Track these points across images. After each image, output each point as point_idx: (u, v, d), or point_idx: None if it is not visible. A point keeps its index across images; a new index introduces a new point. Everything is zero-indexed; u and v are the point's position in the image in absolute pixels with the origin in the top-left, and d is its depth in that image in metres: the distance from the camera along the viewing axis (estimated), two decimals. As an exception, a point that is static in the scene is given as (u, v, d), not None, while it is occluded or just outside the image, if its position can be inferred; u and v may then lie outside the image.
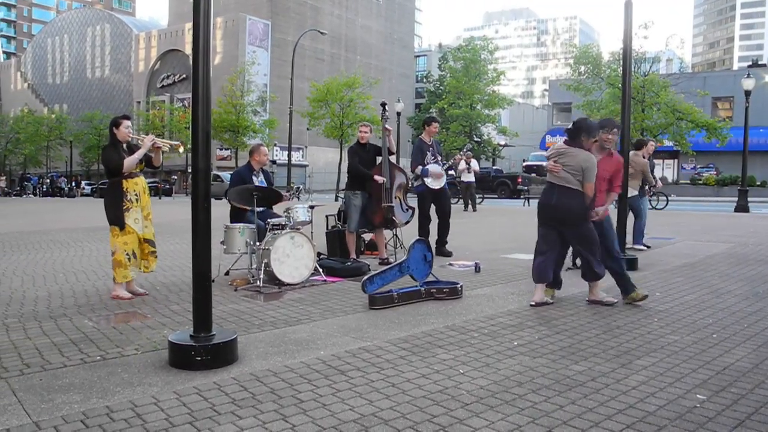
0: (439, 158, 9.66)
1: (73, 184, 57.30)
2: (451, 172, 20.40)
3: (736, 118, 40.75)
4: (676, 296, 6.58)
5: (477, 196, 24.06)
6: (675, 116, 30.40)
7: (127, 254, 6.42)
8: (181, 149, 7.38)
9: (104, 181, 41.95)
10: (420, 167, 9.48)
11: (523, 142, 58.33)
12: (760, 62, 71.22)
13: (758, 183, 38.48)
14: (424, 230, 9.46)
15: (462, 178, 22.15)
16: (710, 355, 4.48)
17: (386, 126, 8.94)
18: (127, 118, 6.73)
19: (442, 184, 9.57)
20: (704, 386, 3.85)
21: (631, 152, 9.63)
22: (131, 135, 6.63)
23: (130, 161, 6.44)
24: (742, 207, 21.54)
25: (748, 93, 22.98)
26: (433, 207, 9.67)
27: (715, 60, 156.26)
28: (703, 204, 28.34)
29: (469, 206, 22.20)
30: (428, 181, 9.46)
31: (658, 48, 33.34)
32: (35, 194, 55.38)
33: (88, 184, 57.78)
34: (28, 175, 64.85)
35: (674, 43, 33.34)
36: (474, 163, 22.43)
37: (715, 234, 12.98)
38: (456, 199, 23.44)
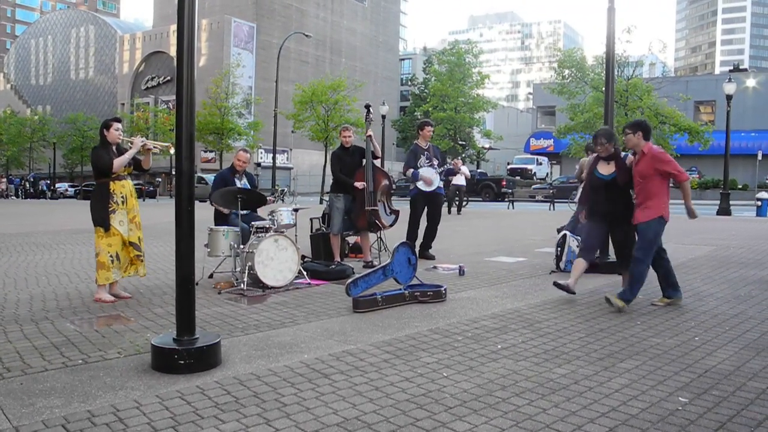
0: (436, 162, 9.59)
1: (44, 184, 56.80)
2: (451, 177, 20.50)
3: (718, 121, 41.27)
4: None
5: (464, 199, 24.19)
6: (658, 120, 30.59)
7: (111, 256, 6.39)
8: (172, 150, 7.35)
9: (88, 183, 41.37)
10: (411, 170, 9.48)
11: (508, 145, 58.63)
12: (741, 67, 72.17)
13: (740, 186, 38.87)
14: (412, 234, 9.46)
15: (453, 181, 22.31)
16: (692, 358, 4.51)
17: (368, 132, 8.90)
18: (118, 120, 6.72)
19: (434, 188, 9.53)
20: (686, 389, 3.87)
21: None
22: (121, 137, 6.60)
23: (119, 161, 6.42)
24: (724, 210, 21.77)
25: (729, 97, 23.22)
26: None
27: (697, 64, 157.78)
28: (686, 207, 28.52)
29: (453, 209, 22.31)
30: (419, 184, 9.46)
31: (641, 52, 33.47)
32: (17, 196, 54.91)
33: (72, 186, 57.32)
34: (11, 177, 64.25)
35: (657, 47, 33.44)
36: (465, 168, 22.59)
37: (698, 237, 13.09)
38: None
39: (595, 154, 6.76)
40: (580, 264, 6.59)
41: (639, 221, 6.17)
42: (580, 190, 9.19)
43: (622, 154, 6.58)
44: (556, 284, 6.63)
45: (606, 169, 6.51)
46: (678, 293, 6.39)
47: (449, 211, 22.05)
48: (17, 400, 3.64)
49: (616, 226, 6.55)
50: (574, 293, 6.57)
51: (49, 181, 58.47)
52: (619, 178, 6.41)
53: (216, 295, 6.83)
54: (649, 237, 6.10)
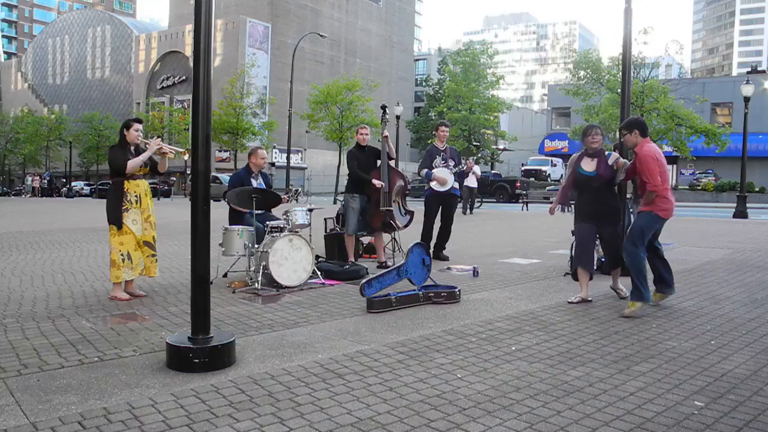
0: (452, 163, 9.58)
1: (43, 180, 57.12)
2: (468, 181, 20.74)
3: (735, 124, 40.90)
4: (674, 302, 6.57)
5: (475, 200, 24.26)
6: (674, 122, 30.43)
7: (122, 255, 6.43)
8: (186, 156, 7.39)
9: (104, 182, 41.65)
10: (425, 170, 9.50)
11: (522, 147, 58.38)
12: (759, 68, 71.53)
13: (757, 189, 38.49)
14: (427, 235, 9.47)
15: (465, 183, 22.50)
16: (708, 362, 4.48)
17: (384, 133, 8.92)
18: (140, 121, 6.76)
19: (448, 188, 9.52)
20: (702, 393, 3.85)
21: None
22: (140, 138, 6.65)
23: (134, 163, 6.47)
24: (740, 213, 21.58)
25: (747, 99, 23.01)
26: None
27: (714, 66, 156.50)
28: (702, 210, 28.36)
29: (468, 210, 22.39)
30: (433, 184, 9.47)
31: (657, 53, 33.31)
32: (34, 194, 55.43)
33: (87, 185, 57.73)
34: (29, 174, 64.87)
35: (673, 48, 33.21)
36: (476, 168, 22.86)
37: (714, 240, 12.99)
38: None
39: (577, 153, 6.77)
40: (584, 273, 6.59)
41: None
42: None
43: (606, 152, 6.59)
44: (571, 303, 6.55)
45: (590, 166, 6.50)
46: (671, 289, 6.36)
47: (464, 212, 22.10)
48: (34, 396, 3.67)
49: (603, 225, 6.51)
50: (590, 301, 6.54)
51: (63, 180, 58.86)
52: (601, 172, 6.40)
53: (230, 295, 6.86)
54: (638, 225, 6.10)
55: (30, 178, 56.13)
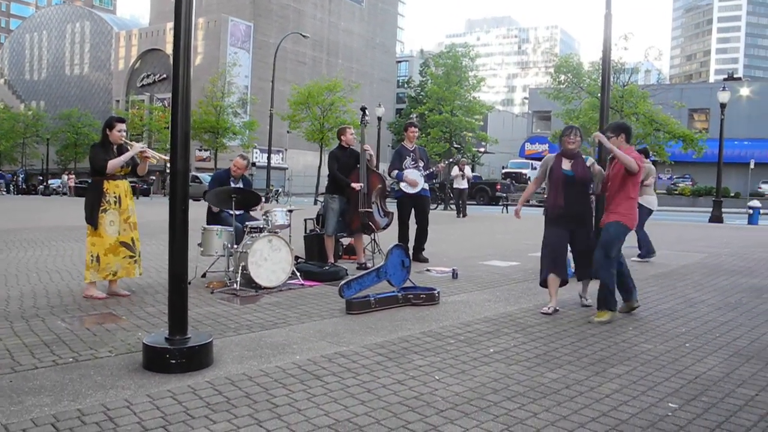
0: (421, 164, 9.60)
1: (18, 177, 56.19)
2: (436, 180, 20.70)
3: (712, 129, 41.36)
4: (650, 305, 6.64)
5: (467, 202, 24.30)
6: (653, 127, 30.67)
7: (92, 256, 6.37)
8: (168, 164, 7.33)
9: (82, 180, 40.90)
10: (396, 171, 9.50)
11: (503, 149, 58.64)
12: (735, 75, 72.46)
13: (732, 194, 39.04)
14: (403, 236, 9.47)
15: (455, 185, 22.59)
16: (683, 364, 4.53)
17: (365, 147, 8.92)
18: (122, 121, 6.66)
19: (418, 189, 9.52)
20: (676, 395, 3.89)
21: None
22: (123, 139, 6.57)
23: (114, 163, 6.40)
24: (716, 218, 21.87)
25: (723, 105, 23.30)
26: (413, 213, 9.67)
27: (692, 72, 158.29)
28: (679, 214, 28.65)
29: (461, 212, 22.49)
30: (403, 185, 9.47)
31: (636, 59, 33.55)
32: (8, 191, 54.66)
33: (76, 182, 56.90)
34: (1, 173, 63.81)
35: (652, 54, 33.43)
36: (467, 170, 22.92)
37: (690, 244, 13.13)
38: (436, 205, 23.65)
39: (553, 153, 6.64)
40: (556, 280, 6.37)
41: (604, 222, 6.05)
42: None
43: (584, 156, 6.43)
44: (545, 314, 6.45)
45: (567, 165, 6.29)
46: (632, 296, 6.25)
47: (458, 215, 22.21)
48: (6, 398, 3.62)
49: (575, 229, 6.30)
50: (558, 310, 6.38)
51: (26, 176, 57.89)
52: (578, 173, 6.20)
53: (209, 295, 6.82)
54: (609, 237, 5.93)
55: (66, 177, 54.63)
